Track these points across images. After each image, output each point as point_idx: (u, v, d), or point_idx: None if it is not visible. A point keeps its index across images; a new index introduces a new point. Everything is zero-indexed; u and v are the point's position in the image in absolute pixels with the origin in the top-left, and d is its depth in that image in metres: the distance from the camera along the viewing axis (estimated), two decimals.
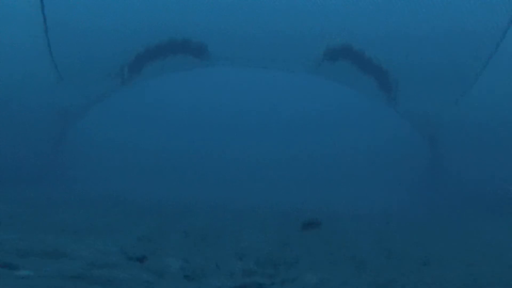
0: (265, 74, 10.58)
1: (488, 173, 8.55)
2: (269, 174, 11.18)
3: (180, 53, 10.46)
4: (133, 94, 10.82)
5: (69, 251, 4.49)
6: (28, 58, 8.26)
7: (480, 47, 8.00)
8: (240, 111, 12.25)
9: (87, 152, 10.61)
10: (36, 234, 5.03)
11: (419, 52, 8.67)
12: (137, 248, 4.79)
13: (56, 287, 3.56)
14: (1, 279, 3.64)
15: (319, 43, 9.55)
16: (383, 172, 10.43)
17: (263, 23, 9.68)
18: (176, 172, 11.02)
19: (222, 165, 11.54)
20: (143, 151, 11.85)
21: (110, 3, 8.63)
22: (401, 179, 10.14)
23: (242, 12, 9.51)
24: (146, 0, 8.87)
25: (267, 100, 11.92)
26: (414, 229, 6.92)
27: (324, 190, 9.90)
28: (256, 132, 12.17)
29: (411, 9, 8.41)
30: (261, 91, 11.74)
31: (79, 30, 8.67)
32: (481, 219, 7.68)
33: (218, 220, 6.79)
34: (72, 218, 6.23)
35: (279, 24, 9.59)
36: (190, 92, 11.86)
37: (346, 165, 11.15)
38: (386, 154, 10.77)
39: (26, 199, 7.49)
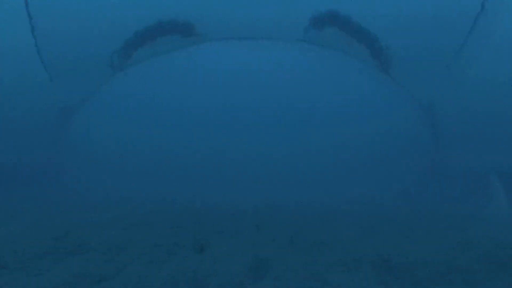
0: (254, 44, 10.50)
1: (485, 140, 8.55)
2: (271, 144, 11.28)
3: (168, 34, 10.45)
4: (126, 81, 10.81)
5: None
6: (18, 59, 8.26)
7: (468, 9, 7.95)
8: (234, 85, 12.22)
9: (85, 149, 10.69)
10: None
11: (407, 16, 8.60)
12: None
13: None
14: None
15: (305, 11, 9.49)
16: (380, 140, 10.50)
17: None
18: (177, 167, 11.05)
19: (221, 153, 11.56)
20: (142, 143, 11.86)
21: None
22: (398, 147, 10.21)
23: None
24: None
25: (259, 71, 11.86)
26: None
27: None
28: (253, 104, 12.19)
29: None
30: (252, 62, 11.67)
31: (65, 24, 8.63)
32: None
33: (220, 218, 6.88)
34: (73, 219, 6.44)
35: None
36: (182, 71, 11.79)
37: (343, 131, 11.22)
38: (381, 120, 10.77)
39: (26, 198, 7.70)
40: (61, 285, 3.74)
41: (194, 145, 11.60)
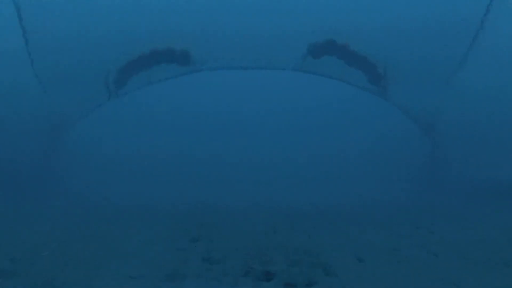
0: (250, 74, 10.54)
1: (487, 158, 8.46)
2: (266, 173, 11.07)
3: (164, 62, 10.45)
4: (119, 106, 10.70)
5: None
6: (10, 71, 8.17)
7: (466, 29, 8.00)
8: (229, 113, 12.17)
9: (75, 166, 10.43)
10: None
11: (404, 41, 8.65)
12: None
13: None
14: None
15: (302, 40, 9.54)
16: (380, 163, 10.32)
17: (243, 24, 9.71)
18: (169, 178, 10.86)
19: (217, 167, 11.42)
20: (134, 161, 11.66)
21: (90, 16, 8.59)
22: (399, 169, 10.02)
23: (222, 15, 9.53)
24: (125, 12, 8.87)
25: (254, 100, 11.88)
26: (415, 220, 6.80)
27: (319, 184, 9.76)
28: (248, 131, 12.08)
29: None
30: (247, 91, 11.69)
31: (59, 45, 8.62)
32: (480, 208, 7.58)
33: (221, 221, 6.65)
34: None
35: (260, 24, 9.61)
36: (178, 99, 11.77)
37: (342, 158, 11.03)
38: (381, 144, 10.67)
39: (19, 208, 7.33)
40: None
41: (186, 165, 11.36)
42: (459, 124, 8.89)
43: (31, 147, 9.01)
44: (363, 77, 9.52)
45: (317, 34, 9.36)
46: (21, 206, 7.72)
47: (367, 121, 10.84)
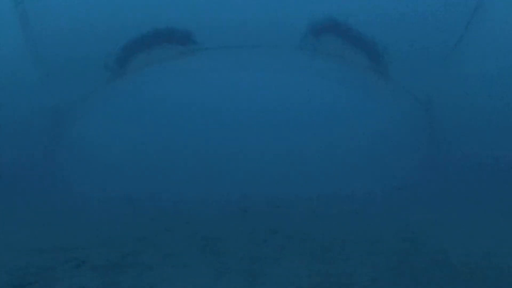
0: (251, 53, 10.48)
1: (487, 140, 8.47)
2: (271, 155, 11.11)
3: (166, 43, 10.43)
4: (122, 87, 10.71)
5: None
6: (12, 55, 8.21)
7: (464, 9, 8.01)
8: (232, 94, 12.13)
9: (79, 151, 10.47)
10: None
11: (404, 19, 8.64)
12: None
13: None
14: None
15: (303, 18, 9.53)
16: (375, 153, 10.34)
17: (245, 5, 9.69)
18: (174, 166, 10.89)
19: (220, 155, 11.42)
20: (138, 147, 11.68)
21: None
22: (398, 150, 10.05)
23: None
24: None
25: (257, 80, 11.83)
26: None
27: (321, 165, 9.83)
28: (251, 114, 12.07)
29: None
30: (250, 71, 11.67)
31: (61, 25, 8.63)
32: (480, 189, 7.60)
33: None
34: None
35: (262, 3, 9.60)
36: (180, 80, 11.73)
37: (343, 139, 11.05)
38: (383, 123, 10.67)
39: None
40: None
41: (191, 149, 11.38)
42: (458, 102, 8.91)
43: (32, 130, 9.06)
44: (363, 55, 9.53)
45: (318, 12, 9.36)
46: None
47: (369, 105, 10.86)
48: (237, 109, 12.46)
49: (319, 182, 9.26)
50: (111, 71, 9.91)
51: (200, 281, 3.93)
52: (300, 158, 11.08)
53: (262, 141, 11.90)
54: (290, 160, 11.19)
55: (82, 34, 8.76)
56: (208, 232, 5.84)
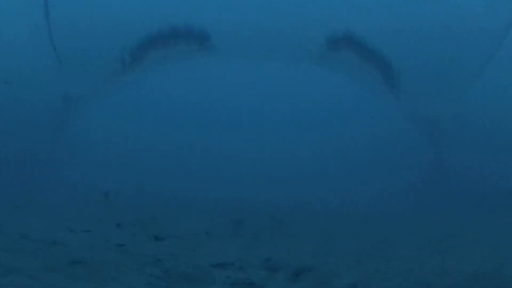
0: (267, 66, 10.49)
1: (491, 171, 8.34)
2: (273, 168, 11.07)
3: (182, 40, 10.37)
4: (135, 84, 10.77)
5: None
6: (28, 43, 8.30)
7: (484, 43, 7.89)
8: (242, 103, 12.12)
9: (88, 142, 10.56)
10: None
11: (422, 45, 8.53)
12: None
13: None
14: None
15: (321, 32, 9.45)
16: (382, 167, 10.24)
17: (265, 13, 9.64)
18: (179, 165, 10.90)
19: (225, 159, 11.39)
20: (144, 144, 11.71)
21: None
22: (401, 175, 9.94)
23: (244, 2, 9.49)
24: None
25: (268, 94, 11.84)
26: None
27: (322, 183, 9.76)
28: (259, 125, 12.05)
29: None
30: (262, 84, 11.66)
31: (79, 15, 8.68)
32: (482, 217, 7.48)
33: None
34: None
35: (281, 14, 9.54)
36: (192, 83, 11.77)
37: (345, 159, 10.98)
38: (386, 148, 10.58)
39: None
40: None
41: (197, 149, 11.43)
42: (471, 133, 8.75)
43: (43, 117, 9.13)
44: (378, 76, 9.42)
45: (336, 27, 9.28)
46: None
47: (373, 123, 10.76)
48: (244, 111, 12.45)
49: (327, 187, 9.24)
50: (125, 66, 9.96)
51: None
52: (311, 163, 11.04)
53: (266, 142, 11.93)
54: (303, 163, 11.15)
55: (99, 26, 8.80)
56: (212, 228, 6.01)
